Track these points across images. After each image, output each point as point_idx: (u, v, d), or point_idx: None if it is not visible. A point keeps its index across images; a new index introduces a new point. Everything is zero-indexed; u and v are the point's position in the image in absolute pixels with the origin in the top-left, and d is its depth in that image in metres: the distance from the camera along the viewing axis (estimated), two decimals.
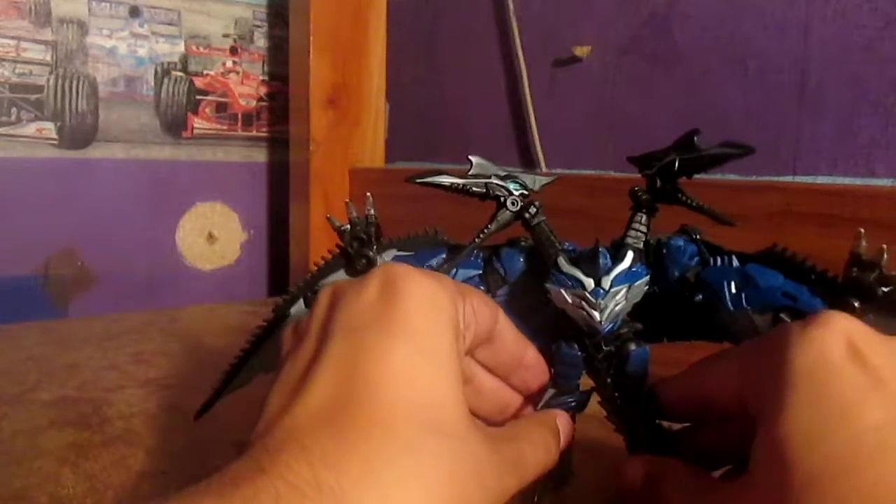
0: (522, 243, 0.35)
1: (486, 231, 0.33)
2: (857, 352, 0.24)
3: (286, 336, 0.30)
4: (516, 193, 0.33)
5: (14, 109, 0.85)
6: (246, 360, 0.37)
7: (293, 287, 0.36)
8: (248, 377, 0.37)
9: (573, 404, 0.34)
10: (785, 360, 0.25)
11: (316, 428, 0.23)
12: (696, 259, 0.32)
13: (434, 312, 0.26)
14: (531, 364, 0.33)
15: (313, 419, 0.23)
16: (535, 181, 0.33)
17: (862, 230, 0.27)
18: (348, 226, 0.34)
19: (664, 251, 0.33)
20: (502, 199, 0.33)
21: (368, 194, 0.35)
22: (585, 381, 0.34)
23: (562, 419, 0.32)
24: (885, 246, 0.27)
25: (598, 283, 0.30)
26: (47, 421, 0.49)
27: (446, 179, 0.33)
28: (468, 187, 0.33)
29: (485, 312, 0.29)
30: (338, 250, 0.35)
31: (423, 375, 0.25)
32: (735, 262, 0.32)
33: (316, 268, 0.36)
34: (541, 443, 0.29)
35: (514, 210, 0.33)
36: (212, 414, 0.39)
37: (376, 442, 0.22)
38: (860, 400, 0.23)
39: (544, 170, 0.75)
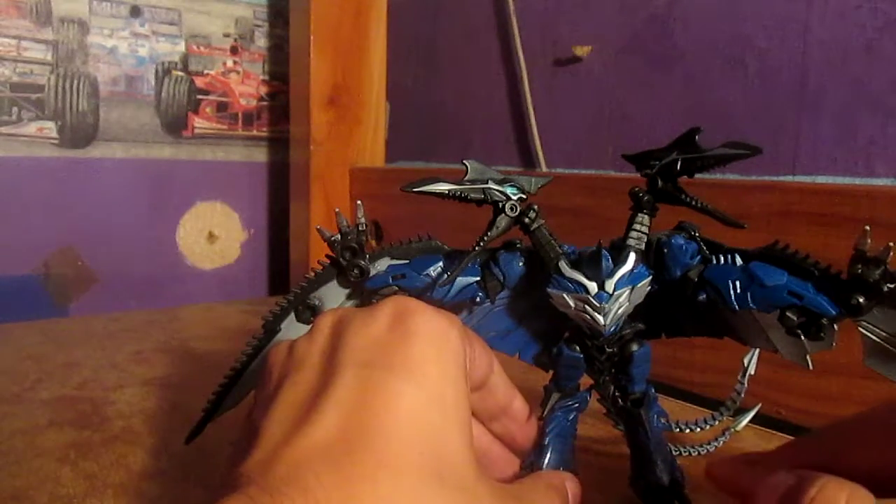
0: (519, 246, 0.34)
1: (485, 238, 0.32)
2: None
3: (278, 356, 0.28)
4: (514, 198, 0.32)
5: (15, 108, 0.85)
6: (237, 380, 0.36)
7: (283, 301, 0.35)
8: (240, 396, 0.36)
9: (576, 406, 0.34)
10: None
11: (320, 469, 0.22)
12: (698, 258, 0.32)
13: (445, 355, 0.26)
14: (517, 413, 0.33)
15: (317, 457, 0.22)
16: (532, 183, 0.33)
17: (867, 227, 0.27)
18: (339, 235, 0.33)
19: (665, 250, 0.32)
20: (500, 204, 0.32)
21: (359, 202, 0.34)
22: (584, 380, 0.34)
23: (570, 483, 0.31)
24: (891, 244, 0.27)
25: (601, 287, 0.30)
26: (47, 420, 0.49)
27: (443, 186, 0.31)
28: (465, 194, 0.31)
29: (483, 360, 0.29)
30: (328, 261, 0.34)
31: (432, 423, 0.24)
32: (738, 261, 0.31)
33: (306, 280, 0.35)
34: None
35: (513, 215, 0.32)
36: None
37: (382, 490, 0.22)
38: None
39: (544, 169, 0.75)
